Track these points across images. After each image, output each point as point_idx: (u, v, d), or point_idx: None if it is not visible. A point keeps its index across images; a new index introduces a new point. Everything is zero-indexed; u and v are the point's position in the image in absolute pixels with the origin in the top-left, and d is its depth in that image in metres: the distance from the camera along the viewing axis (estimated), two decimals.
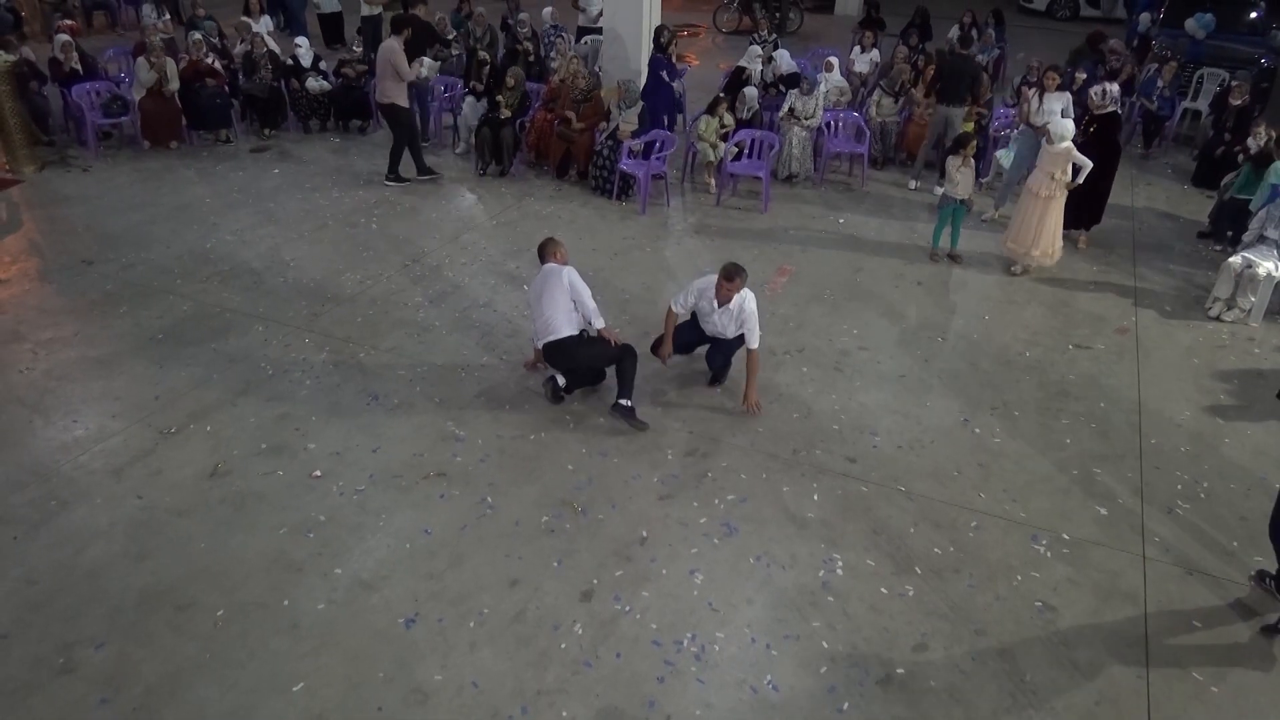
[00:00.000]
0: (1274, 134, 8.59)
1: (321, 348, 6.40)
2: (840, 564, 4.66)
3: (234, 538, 4.66)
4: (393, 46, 9.04)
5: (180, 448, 5.32)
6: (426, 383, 6.05)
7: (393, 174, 9.62)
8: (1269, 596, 4.51)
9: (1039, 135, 8.76)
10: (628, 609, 4.32)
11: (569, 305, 5.64)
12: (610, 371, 5.88)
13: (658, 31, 10.66)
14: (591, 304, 5.69)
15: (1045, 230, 7.76)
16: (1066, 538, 4.91)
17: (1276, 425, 6.02)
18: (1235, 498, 5.30)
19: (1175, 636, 4.32)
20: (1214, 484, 5.39)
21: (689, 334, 6.06)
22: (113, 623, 4.12)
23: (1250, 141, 8.75)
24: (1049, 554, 4.79)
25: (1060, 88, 8.76)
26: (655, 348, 6.06)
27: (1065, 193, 7.73)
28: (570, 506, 4.97)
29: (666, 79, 10.48)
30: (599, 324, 5.72)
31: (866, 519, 4.99)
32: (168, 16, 13.38)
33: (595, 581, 4.47)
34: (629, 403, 5.69)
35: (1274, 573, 4.51)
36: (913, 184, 9.99)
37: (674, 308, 5.93)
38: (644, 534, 4.80)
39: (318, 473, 5.14)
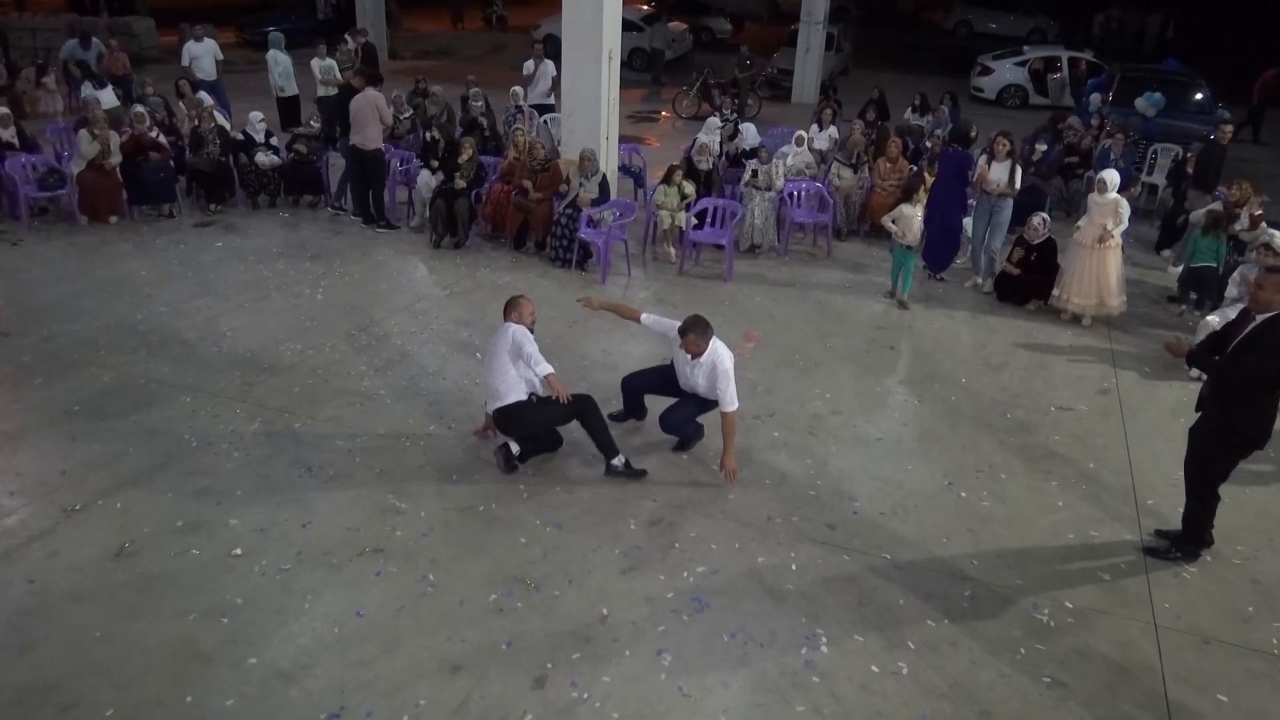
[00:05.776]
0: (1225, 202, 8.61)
1: (253, 418, 5.88)
2: (825, 640, 4.17)
3: (135, 625, 4.07)
4: (375, 94, 9.66)
5: (84, 526, 4.74)
6: (367, 453, 5.54)
7: (384, 220, 10.13)
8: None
9: (991, 198, 8.63)
10: (586, 696, 3.78)
11: (512, 368, 5.22)
12: (569, 433, 5.43)
13: (966, 124, 9.21)
14: (532, 350, 5.15)
15: (1108, 278, 7.92)
16: (1070, 606, 4.47)
17: (1278, 486, 5.71)
18: (1244, 560, 4.93)
19: (1201, 713, 3.86)
20: (1220, 547, 5.00)
21: (658, 378, 5.67)
22: None
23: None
24: (1053, 624, 4.35)
25: (1009, 155, 8.59)
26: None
27: (1119, 241, 7.88)
28: (522, 583, 4.46)
29: (960, 184, 8.68)
30: (543, 370, 5.17)
31: (851, 590, 4.53)
32: (106, 91, 12.92)
33: (549, 665, 3.94)
34: (620, 461, 5.31)
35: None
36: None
37: (644, 315, 5.65)
38: (605, 611, 4.29)
39: (238, 551, 4.58)
